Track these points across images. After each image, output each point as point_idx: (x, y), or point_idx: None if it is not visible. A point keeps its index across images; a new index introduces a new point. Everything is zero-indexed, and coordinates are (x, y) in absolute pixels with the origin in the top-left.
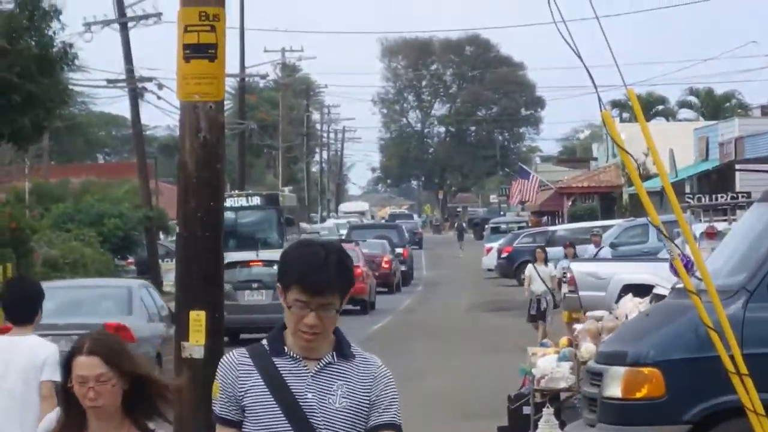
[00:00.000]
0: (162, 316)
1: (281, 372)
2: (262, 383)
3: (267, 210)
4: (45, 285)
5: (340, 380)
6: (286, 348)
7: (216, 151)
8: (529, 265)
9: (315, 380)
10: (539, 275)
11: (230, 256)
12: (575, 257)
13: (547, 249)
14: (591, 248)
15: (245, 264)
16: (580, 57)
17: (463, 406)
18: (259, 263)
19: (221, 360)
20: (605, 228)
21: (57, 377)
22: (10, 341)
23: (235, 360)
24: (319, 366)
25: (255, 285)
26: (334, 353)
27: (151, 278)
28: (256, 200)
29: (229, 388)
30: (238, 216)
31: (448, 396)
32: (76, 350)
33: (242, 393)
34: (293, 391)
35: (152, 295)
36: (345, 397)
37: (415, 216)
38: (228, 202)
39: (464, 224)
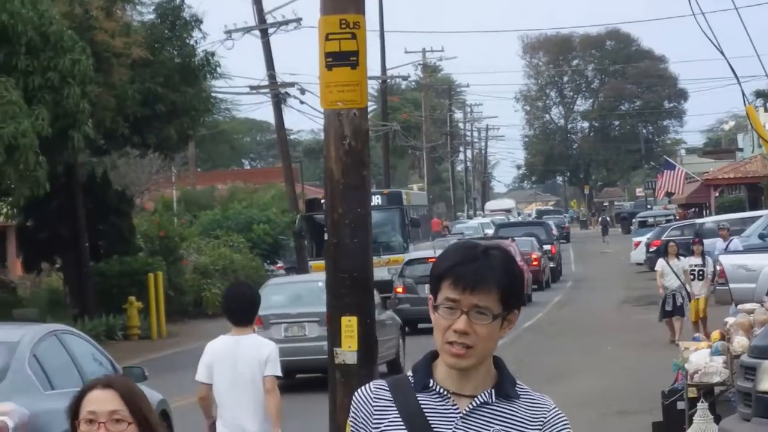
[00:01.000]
0: (377, 303)
1: (425, 410)
2: (401, 422)
3: (388, 210)
4: (273, 282)
5: (498, 425)
6: (432, 381)
7: (361, 158)
8: (661, 260)
9: (465, 423)
10: (672, 270)
11: (408, 255)
12: (703, 254)
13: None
14: (719, 242)
15: (423, 260)
16: (721, 50)
17: (617, 402)
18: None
19: (355, 393)
20: (753, 219)
21: (278, 372)
22: (236, 340)
23: (370, 394)
24: (471, 405)
25: None
26: (494, 391)
27: None
28: (375, 200)
29: (362, 426)
30: None
31: (602, 392)
32: (88, 387)
33: None
34: None
35: None
36: None
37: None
38: None
39: (608, 218)
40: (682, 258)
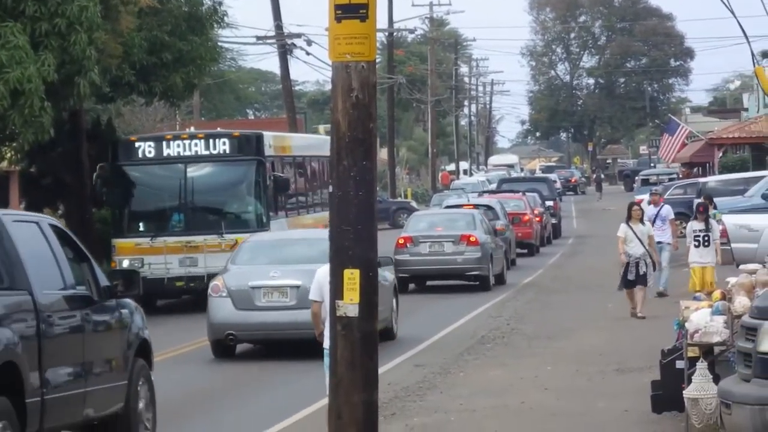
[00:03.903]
0: (490, 231)
1: None
2: None
3: (239, 164)
4: (417, 213)
5: None
6: None
7: (368, 111)
8: (623, 225)
9: None
10: (636, 235)
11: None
12: (707, 219)
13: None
14: (651, 208)
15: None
16: (731, 10)
17: (617, 359)
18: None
19: None
20: (756, 179)
21: None
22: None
23: None
24: None
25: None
26: None
27: None
28: (222, 145)
29: None
30: (186, 174)
31: (602, 350)
32: None
33: None
34: None
35: (499, 215)
36: None
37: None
38: (169, 149)
39: (602, 175)
40: (647, 223)
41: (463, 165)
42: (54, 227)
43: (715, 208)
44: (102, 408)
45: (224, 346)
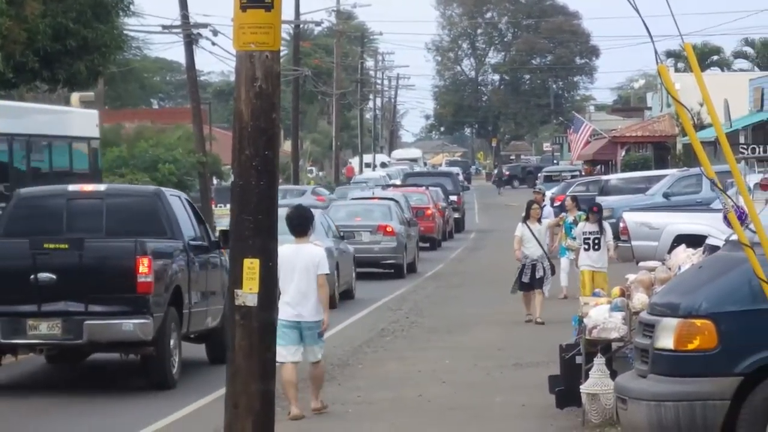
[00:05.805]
0: (407, 220)
1: None
2: None
3: None
4: (336, 204)
5: None
6: None
7: (271, 101)
8: (520, 224)
9: None
10: (534, 236)
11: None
12: (600, 221)
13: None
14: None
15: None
16: (636, 8)
17: (516, 354)
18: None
19: None
20: (658, 178)
21: (327, 270)
22: (297, 248)
23: None
24: None
25: None
26: None
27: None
28: None
29: None
30: None
31: (502, 344)
32: None
33: None
34: None
35: (402, 208)
36: None
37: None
38: None
39: (504, 171)
40: (544, 220)
41: (368, 158)
42: (186, 199)
43: (579, 209)
44: (213, 322)
45: None
